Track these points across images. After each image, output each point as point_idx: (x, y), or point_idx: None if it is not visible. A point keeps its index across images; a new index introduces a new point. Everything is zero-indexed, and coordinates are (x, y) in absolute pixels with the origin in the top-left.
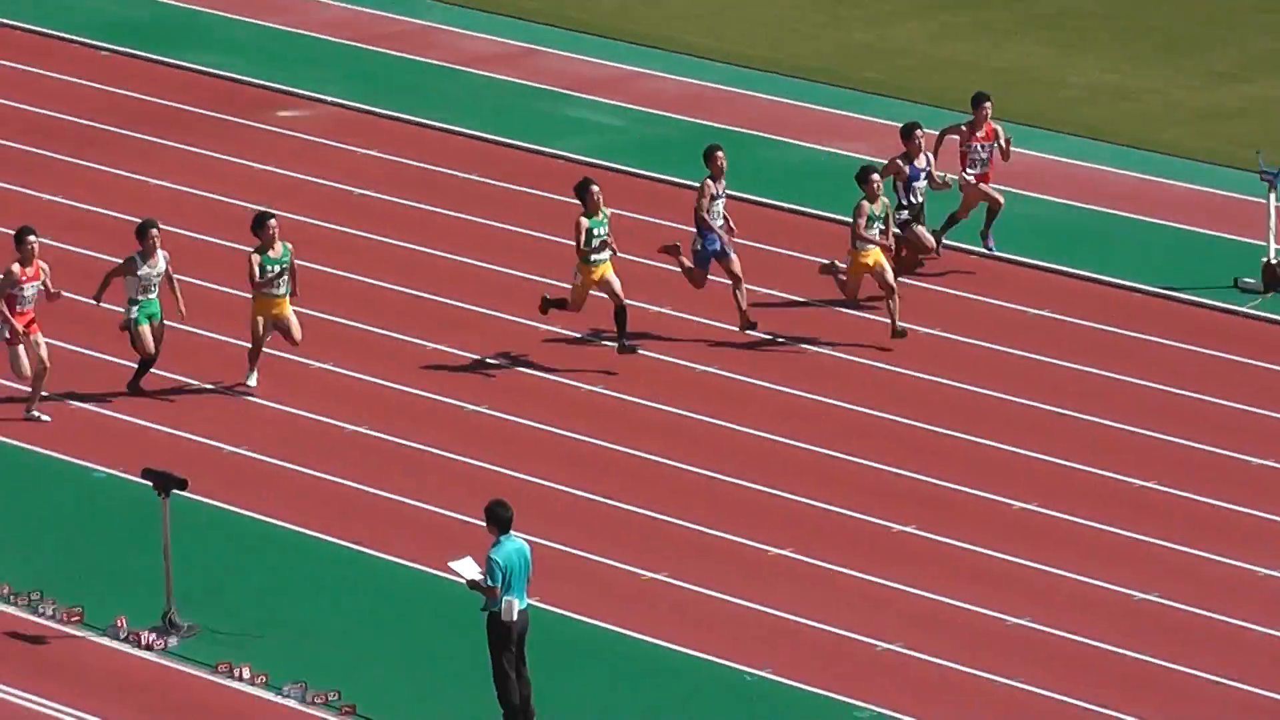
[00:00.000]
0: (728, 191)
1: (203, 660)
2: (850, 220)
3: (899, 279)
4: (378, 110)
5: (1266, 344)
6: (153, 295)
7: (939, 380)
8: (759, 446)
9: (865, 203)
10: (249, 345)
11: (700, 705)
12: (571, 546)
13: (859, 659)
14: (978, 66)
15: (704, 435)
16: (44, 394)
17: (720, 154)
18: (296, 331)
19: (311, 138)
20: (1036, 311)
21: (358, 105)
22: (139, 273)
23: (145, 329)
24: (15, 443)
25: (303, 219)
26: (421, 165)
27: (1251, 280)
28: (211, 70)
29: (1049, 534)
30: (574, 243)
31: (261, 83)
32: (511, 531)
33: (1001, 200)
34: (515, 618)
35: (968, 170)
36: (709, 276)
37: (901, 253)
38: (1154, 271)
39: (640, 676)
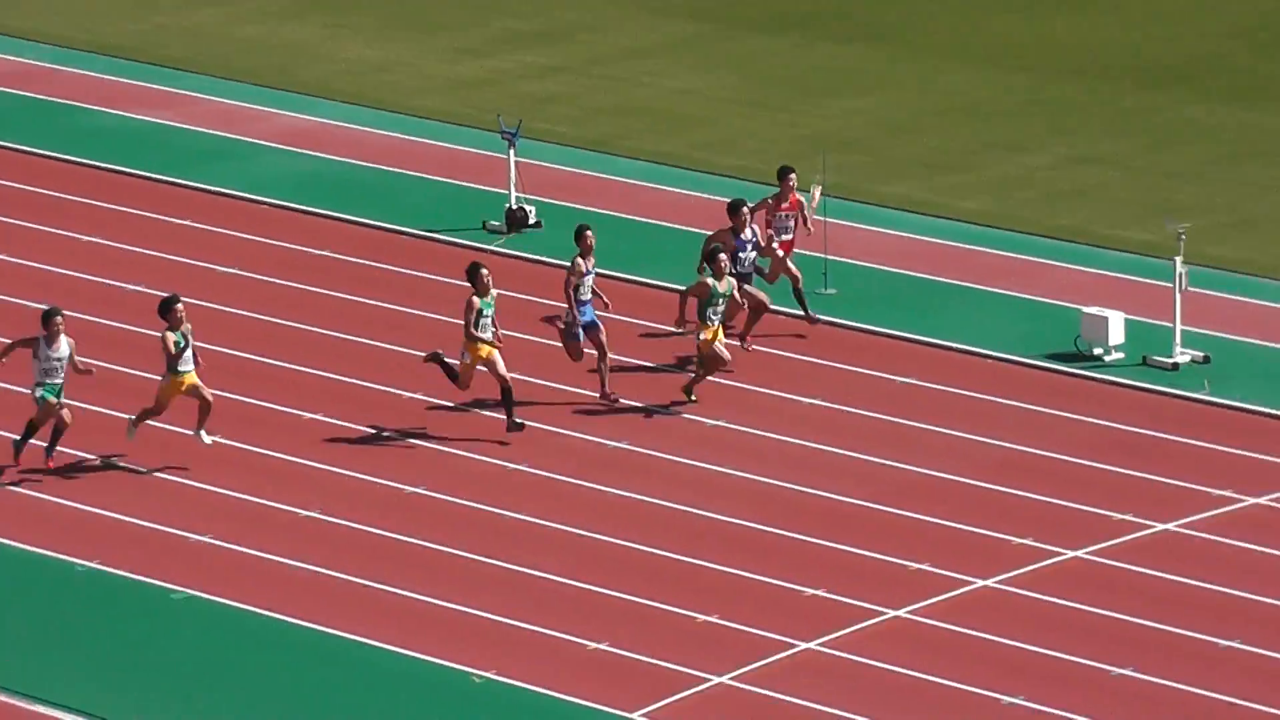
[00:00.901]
0: (597, 269)
1: None
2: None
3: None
4: None
5: (514, 274)
6: (57, 380)
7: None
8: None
9: (710, 280)
10: (149, 409)
11: (67, 604)
12: None
13: (176, 550)
14: (264, 44)
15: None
16: None
17: (589, 233)
18: (207, 393)
19: None
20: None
21: None
22: (41, 356)
23: (53, 401)
24: None
25: None
26: None
27: (497, 223)
28: None
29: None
30: (462, 322)
31: None
32: None
33: (799, 275)
34: None
35: (777, 239)
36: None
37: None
38: (419, 217)
39: (29, 586)
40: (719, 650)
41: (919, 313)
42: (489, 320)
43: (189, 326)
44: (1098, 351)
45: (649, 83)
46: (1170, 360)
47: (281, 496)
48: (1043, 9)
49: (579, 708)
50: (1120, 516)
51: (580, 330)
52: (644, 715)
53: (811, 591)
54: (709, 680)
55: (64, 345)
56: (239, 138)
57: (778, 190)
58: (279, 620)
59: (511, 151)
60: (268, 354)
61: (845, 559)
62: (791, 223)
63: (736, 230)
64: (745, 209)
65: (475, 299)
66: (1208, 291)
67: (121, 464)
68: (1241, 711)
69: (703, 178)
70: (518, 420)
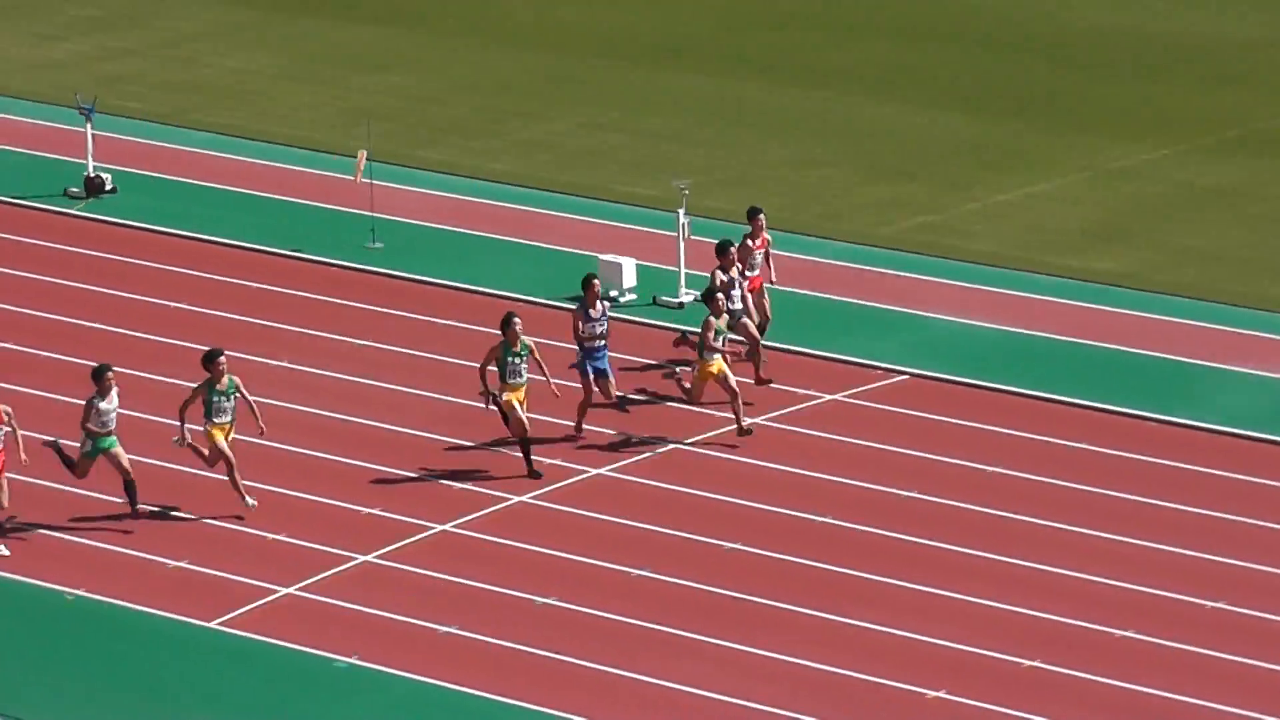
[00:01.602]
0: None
1: None
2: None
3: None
4: None
5: (91, 235)
6: (110, 430)
7: None
8: None
9: (712, 318)
10: (208, 470)
11: None
12: None
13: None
14: None
15: None
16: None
17: (596, 282)
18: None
19: None
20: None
21: None
22: (98, 409)
23: (94, 461)
24: None
25: None
26: None
27: (77, 189)
28: None
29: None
30: (479, 366)
31: None
32: None
33: (767, 318)
34: None
35: (745, 274)
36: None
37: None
38: (4, 185)
39: None
40: (287, 565)
41: (456, 263)
42: (520, 367)
43: (228, 380)
44: (614, 294)
45: (211, 62)
46: (676, 300)
47: None
48: None
49: (163, 619)
50: (639, 436)
51: (590, 370)
52: (220, 624)
53: (368, 511)
54: (278, 591)
55: (115, 398)
56: None
57: (749, 229)
58: None
59: (89, 126)
60: None
61: (397, 481)
62: (760, 260)
63: (724, 268)
64: (732, 249)
65: (500, 348)
66: (708, 240)
67: None
68: (740, 604)
69: (263, 146)
70: (535, 469)
